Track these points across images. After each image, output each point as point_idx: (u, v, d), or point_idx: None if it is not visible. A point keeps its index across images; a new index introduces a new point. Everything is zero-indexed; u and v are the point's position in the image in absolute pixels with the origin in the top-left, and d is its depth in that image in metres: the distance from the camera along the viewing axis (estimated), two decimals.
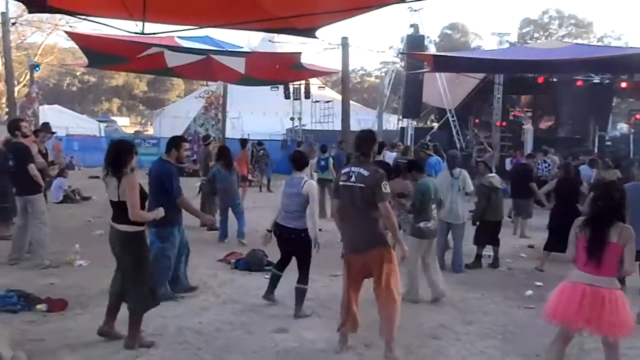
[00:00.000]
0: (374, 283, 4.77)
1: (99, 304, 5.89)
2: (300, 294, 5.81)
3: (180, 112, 29.80)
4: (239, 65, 14.40)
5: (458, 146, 20.64)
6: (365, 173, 4.64)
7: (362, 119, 27.98)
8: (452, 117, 23.00)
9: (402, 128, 23.96)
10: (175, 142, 6.27)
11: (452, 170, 8.11)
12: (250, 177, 13.29)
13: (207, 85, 23.92)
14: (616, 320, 3.85)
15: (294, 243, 5.82)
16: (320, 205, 12.56)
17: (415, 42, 22.03)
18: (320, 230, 10.52)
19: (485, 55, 19.85)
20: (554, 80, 22.63)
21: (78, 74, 52.21)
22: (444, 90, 22.43)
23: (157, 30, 7.89)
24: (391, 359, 4.63)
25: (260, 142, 19.29)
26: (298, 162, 5.93)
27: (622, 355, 4.25)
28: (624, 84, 21.29)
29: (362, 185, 4.61)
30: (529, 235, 10.66)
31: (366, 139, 4.93)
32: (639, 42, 66.80)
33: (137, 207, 4.57)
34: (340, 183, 4.80)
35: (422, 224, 6.62)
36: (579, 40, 39.52)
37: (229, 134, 24.17)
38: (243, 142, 14.63)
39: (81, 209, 12.51)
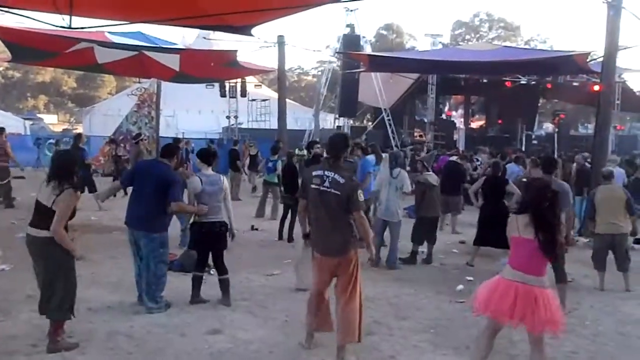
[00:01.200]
0: (337, 286, 4.75)
1: (22, 310, 5.63)
2: (225, 285, 6.12)
3: (112, 109, 28.80)
4: (173, 62, 14.07)
5: (393, 144, 21.05)
6: (341, 180, 4.54)
7: (299, 117, 28.07)
8: (387, 116, 23.43)
9: (339, 127, 24.19)
10: (176, 150, 6.46)
11: (392, 169, 8.21)
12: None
13: (139, 83, 23.28)
14: (550, 318, 3.99)
15: (222, 235, 6.06)
16: (260, 206, 12.51)
17: (351, 41, 22.29)
18: (257, 229, 10.68)
19: (419, 55, 20.36)
20: (484, 81, 23.44)
21: (1, 69, 49.85)
22: (379, 90, 22.82)
23: (85, 24, 7.66)
24: None
25: (212, 141, 19.21)
26: (212, 158, 6.32)
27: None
28: (549, 85, 22.31)
29: (337, 192, 4.53)
30: (460, 231, 10.97)
31: (340, 143, 4.83)
32: (562, 46, 69.99)
33: (63, 224, 4.49)
34: (313, 186, 4.65)
35: None
36: (507, 43, 41.12)
37: (163, 132, 23.35)
38: (176, 141, 14.31)
39: (4, 211, 11.91)
